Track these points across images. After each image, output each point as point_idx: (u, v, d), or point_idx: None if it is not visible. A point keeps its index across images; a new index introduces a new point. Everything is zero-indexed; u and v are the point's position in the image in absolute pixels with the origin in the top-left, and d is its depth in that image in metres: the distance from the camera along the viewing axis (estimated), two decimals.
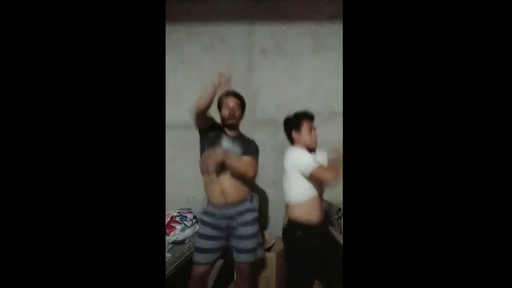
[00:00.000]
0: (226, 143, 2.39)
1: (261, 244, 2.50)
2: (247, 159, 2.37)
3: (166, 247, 2.79)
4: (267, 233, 3.43)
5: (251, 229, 2.42)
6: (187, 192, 3.54)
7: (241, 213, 2.40)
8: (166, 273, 2.37)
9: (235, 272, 2.51)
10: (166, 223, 3.00)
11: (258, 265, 2.82)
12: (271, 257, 2.95)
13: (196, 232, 2.85)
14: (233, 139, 2.43)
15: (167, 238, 2.89)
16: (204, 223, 2.45)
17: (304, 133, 2.40)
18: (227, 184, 2.36)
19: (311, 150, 2.40)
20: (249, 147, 2.45)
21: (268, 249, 3.10)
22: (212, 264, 2.44)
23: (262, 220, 3.59)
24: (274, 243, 3.19)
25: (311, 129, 2.40)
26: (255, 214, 2.50)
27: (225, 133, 2.43)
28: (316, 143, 2.42)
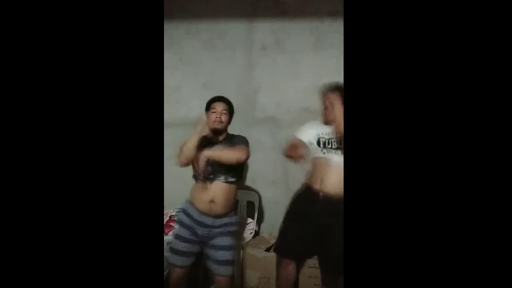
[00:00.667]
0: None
1: (234, 261, 2.51)
2: (235, 147, 2.36)
3: (164, 247, 2.79)
4: (267, 233, 3.43)
5: (228, 241, 2.42)
6: (186, 191, 3.53)
7: (218, 227, 2.40)
8: (164, 273, 2.38)
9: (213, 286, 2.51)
10: (164, 223, 3.01)
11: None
12: (271, 257, 2.94)
13: None
14: (223, 144, 2.43)
15: (165, 238, 2.89)
16: (181, 224, 2.46)
17: (325, 107, 2.46)
18: (219, 193, 2.37)
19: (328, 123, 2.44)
20: (234, 141, 2.45)
21: (268, 249, 3.10)
22: (188, 267, 2.45)
23: (262, 220, 3.60)
24: (274, 243, 3.17)
25: (326, 102, 2.43)
26: (235, 228, 2.52)
27: (211, 141, 2.44)
28: (329, 117, 2.41)
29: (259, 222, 3.54)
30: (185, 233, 2.40)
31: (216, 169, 2.35)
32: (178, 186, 3.40)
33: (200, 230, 2.37)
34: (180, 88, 3.59)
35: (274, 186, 3.55)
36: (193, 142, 2.28)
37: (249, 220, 3.39)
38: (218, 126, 2.41)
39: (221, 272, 2.38)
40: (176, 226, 2.59)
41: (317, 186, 2.38)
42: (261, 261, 2.97)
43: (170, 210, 3.19)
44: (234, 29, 3.60)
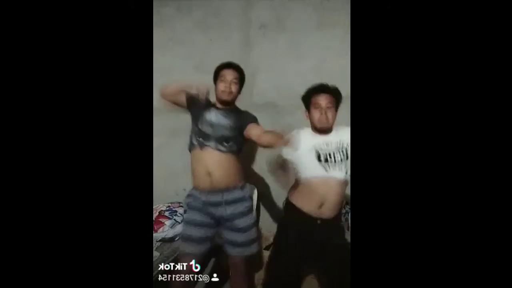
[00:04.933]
0: (209, 115, 2.35)
1: (257, 237, 2.47)
2: (256, 131, 2.30)
3: (153, 245, 2.80)
4: (266, 230, 3.43)
5: (245, 221, 2.39)
6: (177, 184, 3.54)
7: (231, 202, 2.37)
8: (153, 274, 2.38)
9: (230, 268, 2.48)
10: (153, 219, 3.01)
11: (253, 261, 2.71)
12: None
13: None
14: (220, 111, 2.39)
15: (155, 235, 2.89)
16: (191, 207, 2.43)
17: (312, 111, 2.38)
18: (212, 163, 2.31)
19: (323, 130, 2.37)
20: (246, 117, 2.41)
21: (267, 247, 3.10)
22: (201, 256, 2.40)
23: (260, 216, 3.60)
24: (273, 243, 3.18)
25: (319, 106, 2.36)
26: (249, 204, 2.47)
27: (216, 107, 2.40)
28: (327, 121, 2.33)
29: (258, 218, 3.54)
30: (197, 216, 2.38)
31: (206, 134, 2.31)
32: (169, 179, 3.42)
33: (213, 211, 2.35)
34: (171, 70, 3.57)
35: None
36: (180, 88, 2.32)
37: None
38: (228, 97, 2.36)
39: (236, 253, 2.37)
40: (175, 227, 2.56)
41: (314, 212, 2.31)
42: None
43: (159, 205, 3.18)
44: (229, 6, 3.58)
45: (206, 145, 2.32)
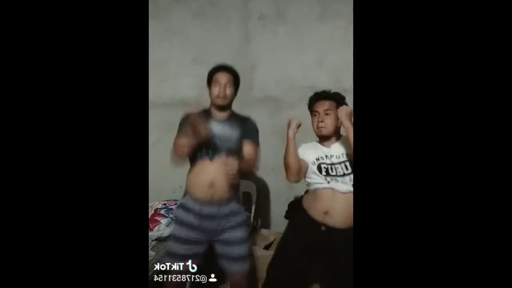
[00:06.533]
0: (215, 128, 2.31)
1: (250, 255, 2.46)
2: (247, 151, 2.33)
3: (149, 244, 2.80)
4: (265, 229, 3.43)
5: (241, 233, 2.37)
6: (173, 181, 3.53)
7: (227, 215, 2.34)
8: (149, 274, 2.39)
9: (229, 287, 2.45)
10: (149, 217, 3.02)
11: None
12: (271, 256, 2.92)
13: None
14: (224, 122, 2.37)
15: (150, 233, 2.90)
16: (179, 222, 2.38)
17: (312, 119, 2.41)
18: (219, 175, 2.27)
19: (323, 138, 2.40)
20: (246, 129, 2.39)
21: (267, 247, 3.11)
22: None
23: (261, 214, 3.60)
24: (274, 240, 3.20)
25: (317, 112, 2.38)
26: (244, 217, 2.47)
27: (213, 116, 2.37)
28: (325, 127, 2.35)
29: (257, 216, 3.55)
30: (185, 233, 2.32)
31: (217, 146, 2.30)
32: (165, 176, 3.41)
33: (205, 224, 2.31)
34: (167, 63, 3.57)
35: (274, 174, 3.53)
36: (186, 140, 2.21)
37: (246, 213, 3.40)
38: (222, 102, 2.33)
39: (237, 270, 2.33)
40: (171, 225, 2.54)
41: (319, 218, 2.32)
42: (259, 260, 2.97)
43: (155, 202, 3.19)
44: None
45: (215, 157, 2.30)
